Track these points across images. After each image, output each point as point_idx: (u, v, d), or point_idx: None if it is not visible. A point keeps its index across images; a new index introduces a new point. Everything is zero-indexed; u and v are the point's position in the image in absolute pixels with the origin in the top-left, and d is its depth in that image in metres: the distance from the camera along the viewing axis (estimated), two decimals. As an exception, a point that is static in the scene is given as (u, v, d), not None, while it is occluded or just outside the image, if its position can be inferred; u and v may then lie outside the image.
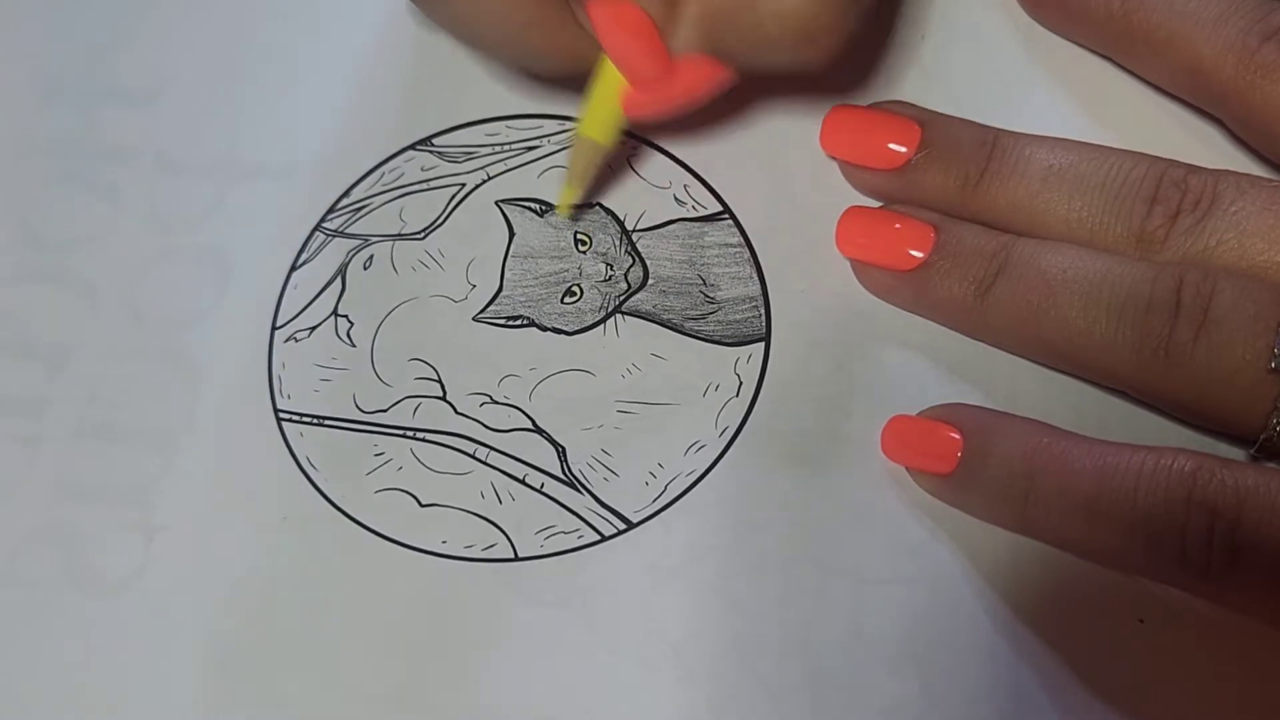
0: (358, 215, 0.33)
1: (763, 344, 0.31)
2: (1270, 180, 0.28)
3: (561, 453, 0.30)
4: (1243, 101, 0.29)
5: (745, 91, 0.33)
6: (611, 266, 0.32)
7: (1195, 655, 0.27)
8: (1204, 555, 0.26)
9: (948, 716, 0.27)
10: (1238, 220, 0.28)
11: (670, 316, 0.31)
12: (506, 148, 0.34)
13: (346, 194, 0.34)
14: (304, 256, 0.33)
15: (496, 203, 0.33)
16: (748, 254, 0.32)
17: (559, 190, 0.32)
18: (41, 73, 0.36)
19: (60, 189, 0.35)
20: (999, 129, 0.31)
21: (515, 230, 0.33)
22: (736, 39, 0.28)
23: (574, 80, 0.30)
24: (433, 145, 0.34)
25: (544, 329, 0.32)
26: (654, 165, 0.33)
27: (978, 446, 0.28)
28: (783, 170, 0.32)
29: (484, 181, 0.33)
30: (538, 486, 0.30)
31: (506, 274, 0.32)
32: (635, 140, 0.33)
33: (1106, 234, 0.29)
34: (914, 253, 0.30)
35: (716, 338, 0.31)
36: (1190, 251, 0.28)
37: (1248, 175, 0.29)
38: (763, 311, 0.31)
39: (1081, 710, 0.27)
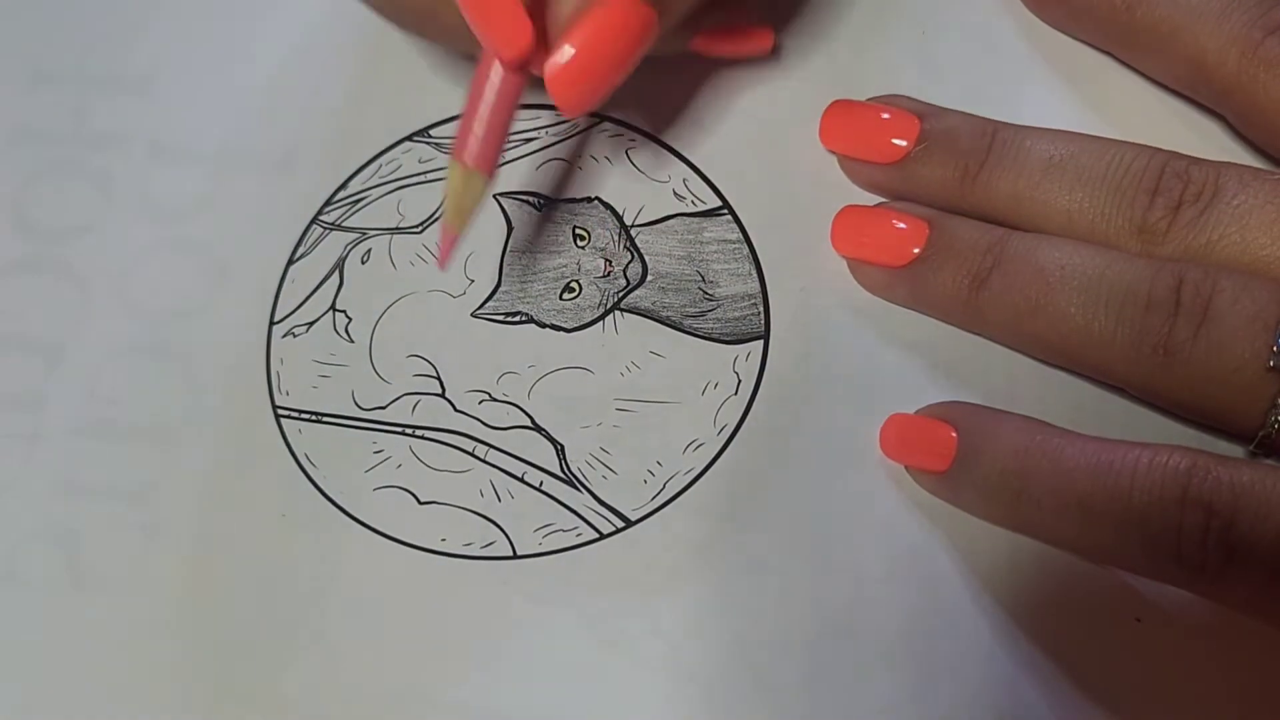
0: (355, 208, 0.33)
1: (761, 342, 0.31)
2: (1273, 173, 0.28)
3: (560, 450, 0.30)
4: (1246, 95, 0.29)
5: (743, 81, 0.33)
6: (610, 262, 0.32)
7: (1193, 654, 0.27)
8: (1199, 553, 0.26)
9: (945, 715, 0.28)
10: (1240, 214, 0.28)
11: (669, 314, 0.31)
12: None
13: (344, 186, 0.33)
14: (301, 250, 0.33)
15: (495, 196, 0.33)
16: (747, 250, 0.32)
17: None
18: (32, 59, 0.36)
19: (52, 177, 0.34)
20: (998, 121, 0.30)
21: (513, 224, 0.33)
22: None
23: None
24: (430, 136, 0.34)
25: (542, 325, 0.32)
26: (652, 158, 0.33)
27: (971, 444, 0.28)
28: (782, 165, 0.32)
29: (481, 174, 0.33)
30: (536, 484, 0.30)
31: (505, 269, 0.32)
32: (633, 132, 0.33)
33: (1108, 225, 0.29)
34: (908, 249, 0.30)
35: (715, 335, 0.31)
36: (1192, 245, 0.28)
37: (1250, 168, 0.28)
38: (761, 309, 0.31)
39: (1079, 708, 0.27)
